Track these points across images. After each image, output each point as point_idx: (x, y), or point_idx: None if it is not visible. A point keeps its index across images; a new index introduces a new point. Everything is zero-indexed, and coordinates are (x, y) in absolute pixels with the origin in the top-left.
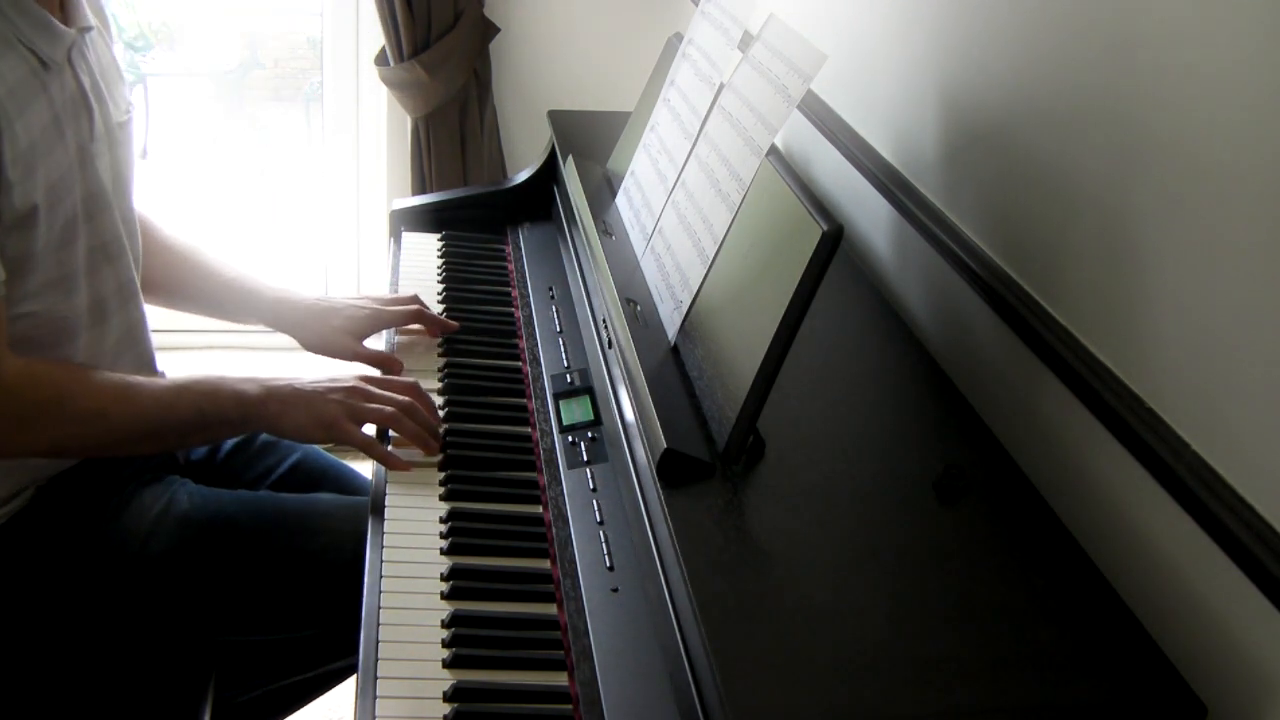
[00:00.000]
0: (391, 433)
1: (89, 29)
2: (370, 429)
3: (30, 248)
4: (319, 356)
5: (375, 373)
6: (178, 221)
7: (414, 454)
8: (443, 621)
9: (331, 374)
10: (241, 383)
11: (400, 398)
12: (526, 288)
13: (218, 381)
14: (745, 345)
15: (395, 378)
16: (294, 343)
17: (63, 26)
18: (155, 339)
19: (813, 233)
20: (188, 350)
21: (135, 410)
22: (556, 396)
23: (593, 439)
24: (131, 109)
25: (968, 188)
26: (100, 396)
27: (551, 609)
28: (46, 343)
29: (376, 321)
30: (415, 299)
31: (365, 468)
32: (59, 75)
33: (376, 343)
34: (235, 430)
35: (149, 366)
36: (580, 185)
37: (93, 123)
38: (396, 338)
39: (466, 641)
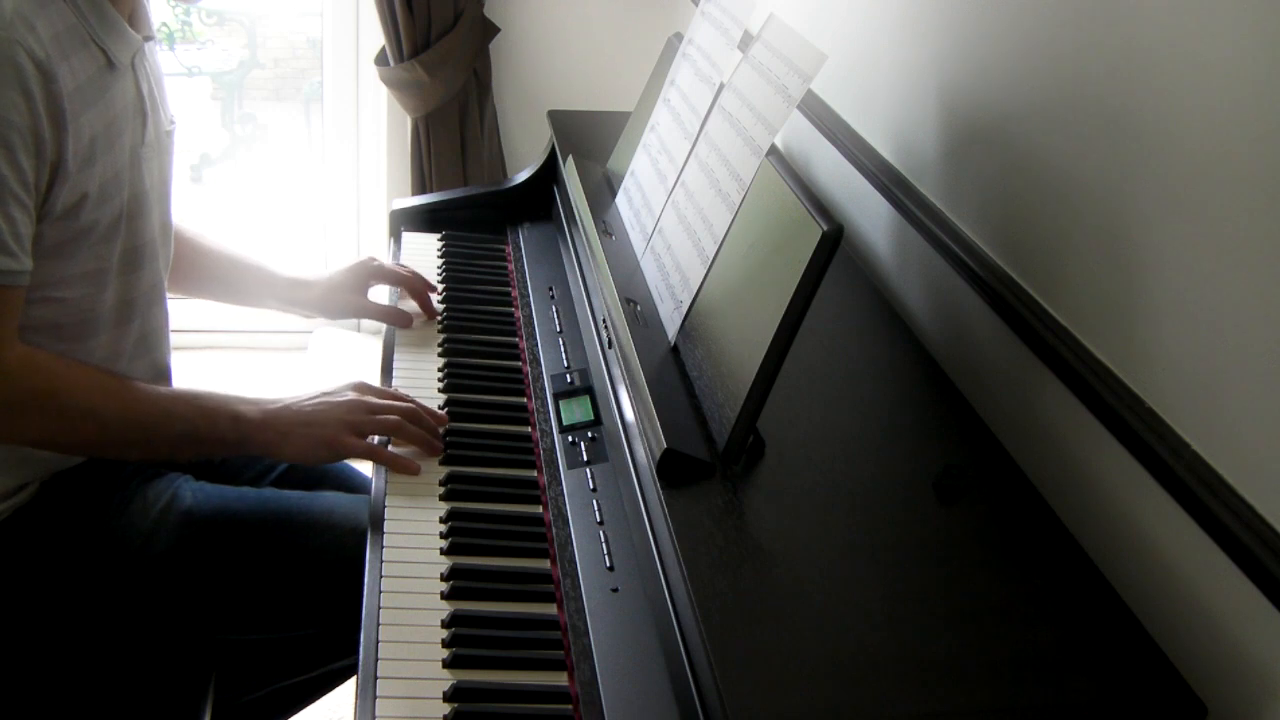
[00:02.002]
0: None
1: (152, 38)
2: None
3: (72, 235)
4: (319, 367)
5: (375, 358)
6: (183, 214)
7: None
8: (443, 621)
9: (325, 388)
10: (241, 404)
11: (402, 404)
12: (526, 288)
13: (218, 400)
14: (745, 345)
15: (392, 390)
16: (297, 343)
17: (132, 31)
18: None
19: (813, 233)
20: (190, 350)
21: (129, 415)
22: (556, 396)
23: (593, 439)
24: (175, 121)
25: (968, 187)
26: (96, 395)
27: (551, 609)
28: (71, 333)
29: (379, 275)
30: (411, 271)
31: (367, 466)
32: (122, 78)
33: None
34: (230, 450)
35: (164, 371)
36: (580, 185)
37: (145, 128)
38: (401, 302)
39: (466, 641)
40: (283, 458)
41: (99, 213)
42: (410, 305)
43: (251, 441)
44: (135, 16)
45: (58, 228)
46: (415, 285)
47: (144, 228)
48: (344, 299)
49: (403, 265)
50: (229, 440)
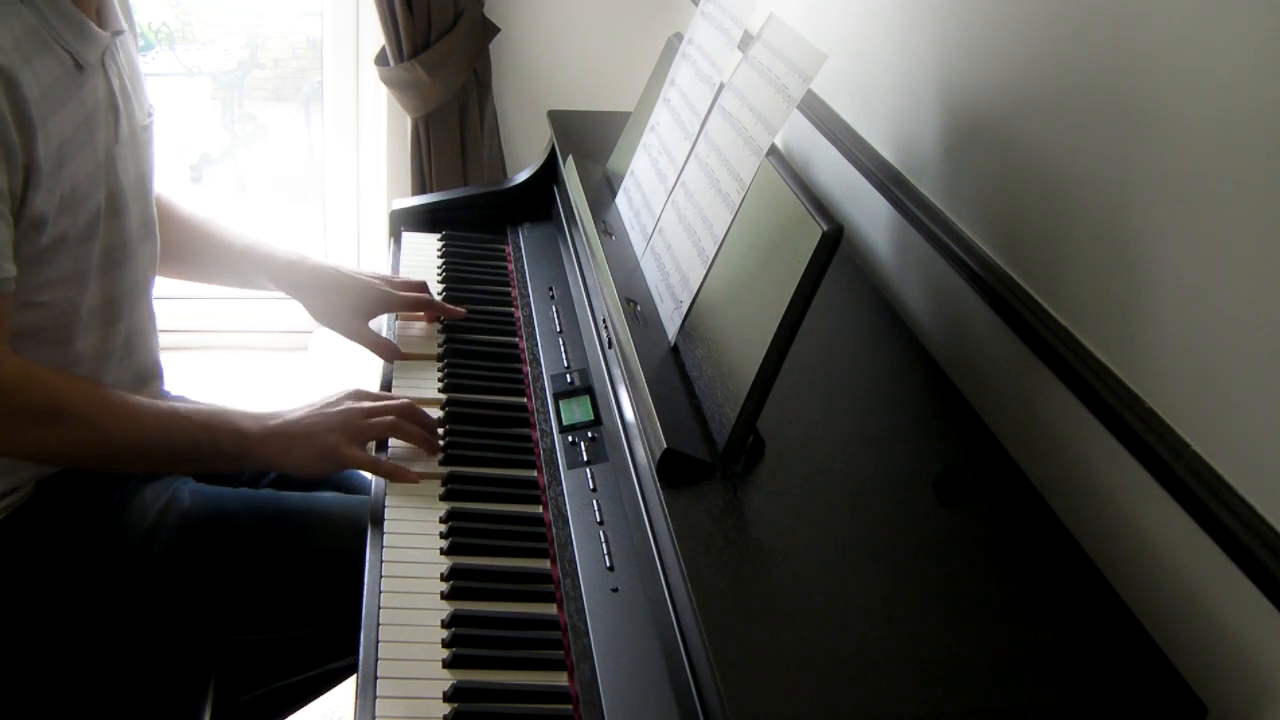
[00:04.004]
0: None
1: (121, 32)
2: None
3: (50, 241)
4: (319, 367)
5: (376, 358)
6: (189, 200)
7: (416, 464)
8: (443, 621)
9: (321, 399)
10: (242, 418)
11: (396, 403)
12: (526, 288)
13: (219, 413)
14: (745, 345)
15: (386, 394)
16: (297, 343)
17: (98, 29)
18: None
19: (813, 233)
20: (188, 350)
21: (129, 428)
22: (556, 396)
23: (593, 439)
24: (153, 112)
25: (968, 187)
26: (95, 407)
27: (551, 609)
28: (54, 337)
29: (384, 305)
30: (423, 285)
31: None
32: (92, 77)
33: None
34: (229, 465)
35: (155, 369)
36: (580, 185)
37: (119, 126)
38: (398, 323)
39: (466, 641)
40: (284, 470)
41: (74, 215)
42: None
43: (252, 456)
44: (103, 12)
45: (33, 235)
46: (429, 306)
47: (124, 225)
48: (343, 317)
49: (413, 284)
50: (228, 454)
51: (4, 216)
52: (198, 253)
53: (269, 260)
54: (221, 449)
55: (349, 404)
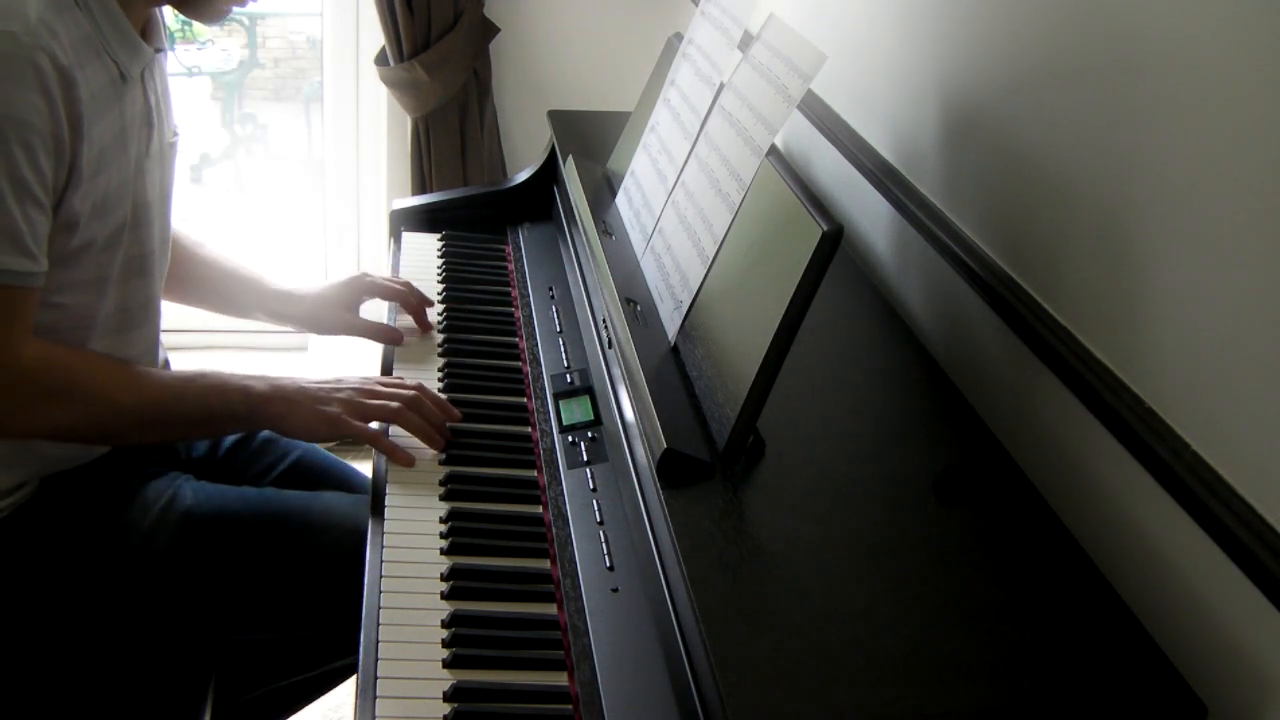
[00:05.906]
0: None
1: (162, 50)
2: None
3: (79, 244)
4: (319, 367)
5: (376, 358)
6: (182, 221)
7: (419, 448)
8: (443, 621)
9: (338, 374)
10: (249, 379)
11: (405, 393)
12: (526, 288)
13: (226, 377)
14: (745, 345)
15: (402, 379)
16: (297, 343)
17: (144, 44)
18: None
19: (813, 233)
20: (190, 350)
21: (142, 398)
22: (556, 396)
23: (593, 439)
24: (178, 131)
25: (968, 187)
26: (110, 383)
27: (551, 609)
28: (68, 340)
29: (369, 290)
30: (408, 285)
31: (366, 467)
32: (132, 89)
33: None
34: (240, 426)
35: None
36: (580, 185)
37: (150, 140)
38: (399, 318)
39: (466, 641)
40: (287, 431)
41: (103, 222)
42: (406, 320)
43: (260, 414)
44: (149, 28)
45: (63, 237)
46: (409, 300)
47: (146, 237)
48: (334, 315)
49: (397, 279)
50: (240, 415)
51: (44, 209)
52: (189, 275)
53: (257, 286)
54: (234, 411)
55: (360, 381)
